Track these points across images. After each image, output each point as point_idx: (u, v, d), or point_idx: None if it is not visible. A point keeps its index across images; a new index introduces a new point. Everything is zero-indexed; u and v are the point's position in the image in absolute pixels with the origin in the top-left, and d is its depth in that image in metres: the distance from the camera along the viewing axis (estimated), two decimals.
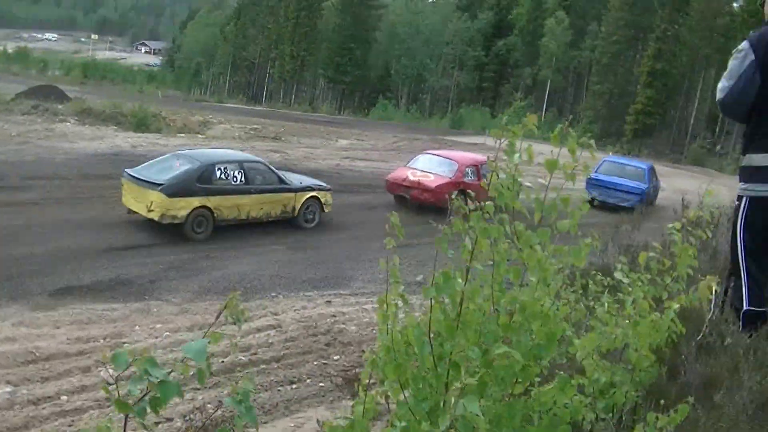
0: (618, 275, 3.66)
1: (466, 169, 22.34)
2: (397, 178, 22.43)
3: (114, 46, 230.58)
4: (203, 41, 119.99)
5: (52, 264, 13.61)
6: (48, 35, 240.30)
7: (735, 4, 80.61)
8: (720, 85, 5.35)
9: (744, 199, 5.31)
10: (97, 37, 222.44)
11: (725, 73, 5.30)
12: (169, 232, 16.15)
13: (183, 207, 16.08)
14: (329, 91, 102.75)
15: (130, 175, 16.65)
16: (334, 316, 12.05)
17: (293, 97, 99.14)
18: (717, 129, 77.56)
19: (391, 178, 22.76)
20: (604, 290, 4.09)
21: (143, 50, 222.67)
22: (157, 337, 10.56)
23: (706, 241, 4.13)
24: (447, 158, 23.26)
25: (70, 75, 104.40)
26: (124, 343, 10.21)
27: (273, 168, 18.75)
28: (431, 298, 2.81)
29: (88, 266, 13.72)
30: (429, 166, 22.63)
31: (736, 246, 5.32)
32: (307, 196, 18.85)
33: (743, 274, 5.25)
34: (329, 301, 13.21)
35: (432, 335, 2.80)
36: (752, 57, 5.11)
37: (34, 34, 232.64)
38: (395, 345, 2.89)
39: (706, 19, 76.92)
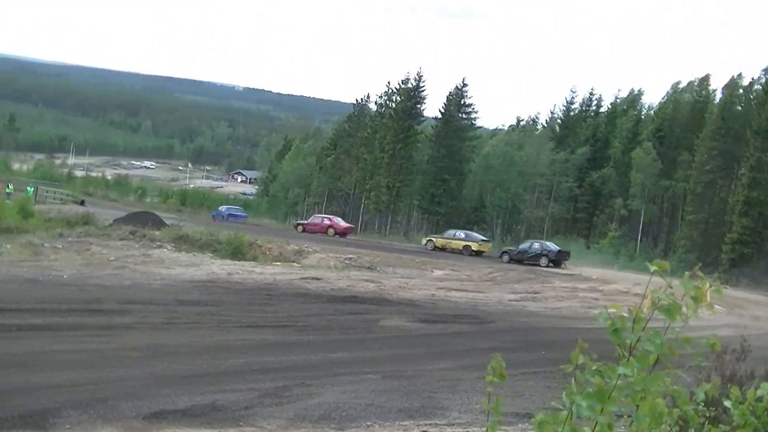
0: (727, 403, 3.36)
1: None
2: None
3: (210, 175, 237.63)
4: (298, 171, 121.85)
5: (147, 387, 13.40)
6: (146, 163, 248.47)
7: None
8: None
9: None
10: (191, 166, 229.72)
11: None
12: (262, 360, 16.00)
13: None
14: (423, 222, 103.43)
15: None
16: None
17: (388, 227, 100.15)
18: None
19: None
20: (705, 421, 3.86)
21: (239, 179, 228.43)
22: None
23: None
24: None
25: (167, 202, 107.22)
26: None
27: None
28: None
29: (182, 391, 13.45)
30: None
31: None
32: None
33: None
34: (425, 431, 12.77)
35: None
36: None
37: (133, 162, 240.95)
38: None
39: None
